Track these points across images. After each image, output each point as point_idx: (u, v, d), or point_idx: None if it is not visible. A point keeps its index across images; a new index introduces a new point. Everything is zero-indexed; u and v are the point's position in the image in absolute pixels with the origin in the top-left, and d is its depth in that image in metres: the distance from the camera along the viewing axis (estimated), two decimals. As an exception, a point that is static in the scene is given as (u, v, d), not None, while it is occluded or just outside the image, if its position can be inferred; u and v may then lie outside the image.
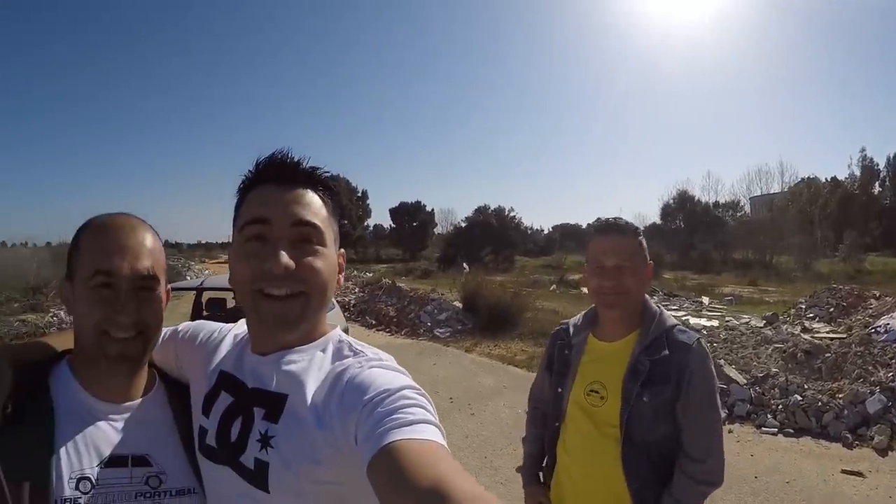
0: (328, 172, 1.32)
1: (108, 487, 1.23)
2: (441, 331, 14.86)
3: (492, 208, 56.24)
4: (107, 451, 1.27)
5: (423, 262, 44.63)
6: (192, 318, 8.67)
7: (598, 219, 2.44)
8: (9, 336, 13.77)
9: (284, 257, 1.18)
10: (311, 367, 1.23)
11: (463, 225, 55.95)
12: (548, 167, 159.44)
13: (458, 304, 16.46)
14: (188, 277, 28.19)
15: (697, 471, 2.16)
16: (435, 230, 70.39)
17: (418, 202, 70.80)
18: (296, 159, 1.28)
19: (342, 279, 1.37)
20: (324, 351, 1.28)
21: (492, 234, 48.34)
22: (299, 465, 1.12)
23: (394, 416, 1.00)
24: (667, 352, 2.20)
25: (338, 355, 1.27)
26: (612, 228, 2.32)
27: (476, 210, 56.44)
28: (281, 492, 1.14)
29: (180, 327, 1.58)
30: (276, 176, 1.26)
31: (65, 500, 1.18)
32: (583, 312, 2.62)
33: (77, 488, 1.20)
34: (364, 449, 0.99)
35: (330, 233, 1.29)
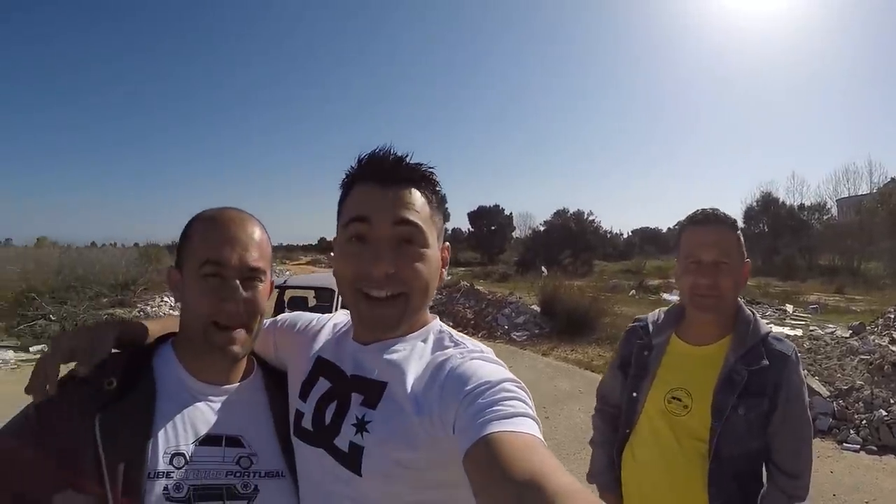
0: (431, 168, 1.29)
1: (201, 464, 1.30)
2: (518, 334, 14.88)
3: (570, 212, 55.60)
4: (203, 430, 1.33)
5: (501, 266, 44.46)
6: (275, 316, 9.03)
7: (690, 213, 2.20)
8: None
9: (384, 263, 1.20)
10: (412, 357, 1.25)
11: (541, 229, 55.51)
12: (627, 169, 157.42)
13: (536, 308, 16.39)
14: (270, 278, 28.82)
15: (790, 486, 2.03)
16: (513, 234, 69.98)
17: (496, 206, 70.22)
18: (398, 156, 1.26)
19: (445, 273, 1.36)
20: (425, 341, 1.30)
21: (570, 237, 47.86)
22: (394, 450, 1.14)
23: (493, 408, 1.01)
24: (766, 362, 2.03)
25: (438, 345, 1.28)
26: (709, 219, 2.10)
27: (555, 213, 55.79)
28: (373, 475, 1.16)
29: (279, 317, 1.64)
30: (378, 174, 1.25)
31: (158, 472, 1.24)
32: (663, 309, 2.44)
33: (171, 463, 1.26)
34: (462, 439, 1.00)
35: (433, 230, 1.28)
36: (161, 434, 1.28)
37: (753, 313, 2.17)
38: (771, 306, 20.52)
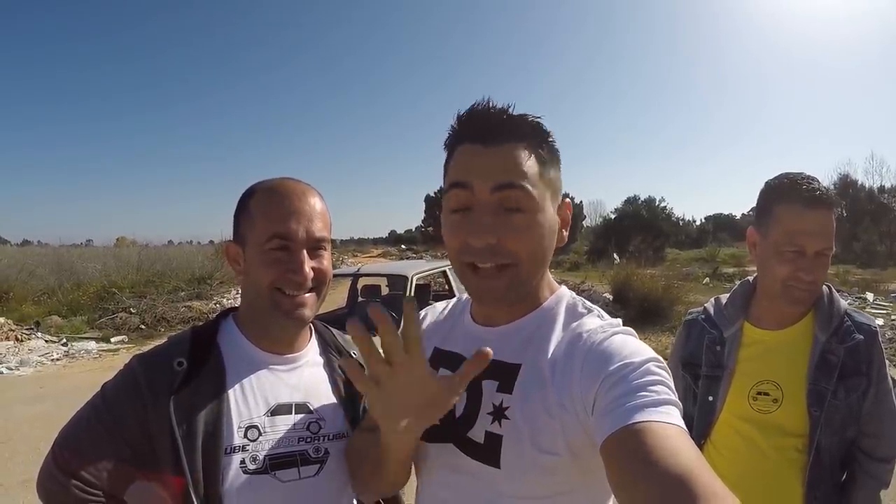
0: (538, 118, 1.15)
1: (274, 434, 1.34)
2: (590, 322, 14.76)
3: (642, 198, 54.67)
4: (273, 401, 1.37)
5: (573, 255, 44.02)
6: (348, 304, 9.08)
7: (788, 178, 1.86)
8: (175, 320, 15.24)
9: (485, 233, 1.08)
10: (545, 331, 1.17)
11: (612, 217, 54.71)
12: (699, 155, 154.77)
13: (608, 296, 16.33)
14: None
15: (883, 471, 1.89)
16: (583, 222, 69.25)
17: (566, 194, 68.59)
18: (498, 109, 1.12)
19: (566, 234, 1.23)
20: (556, 312, 1.20)
21: (642, 225, 46.98)
22: (534, 433, 1.06)
23: (640, 393, 0.94)
24: (861, 336, 1.84)
25: (572, 313, 1.20)
26: (820, 202, 1.77)
27: (625, 201, 54.79)
28: (512, 466, 1.08)
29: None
30: (478, 132, 1.12)
31: (234, 447, 1.28)
32: (723, 297, 2.16)
33: (245, 436, 1.30)
34: (603, 423, 0.94)
35: (545, 189, 1.14)
36: (234, 409, 1.32)
37: (828, 285, 1.95)
38: (850, 295, 19.88)
